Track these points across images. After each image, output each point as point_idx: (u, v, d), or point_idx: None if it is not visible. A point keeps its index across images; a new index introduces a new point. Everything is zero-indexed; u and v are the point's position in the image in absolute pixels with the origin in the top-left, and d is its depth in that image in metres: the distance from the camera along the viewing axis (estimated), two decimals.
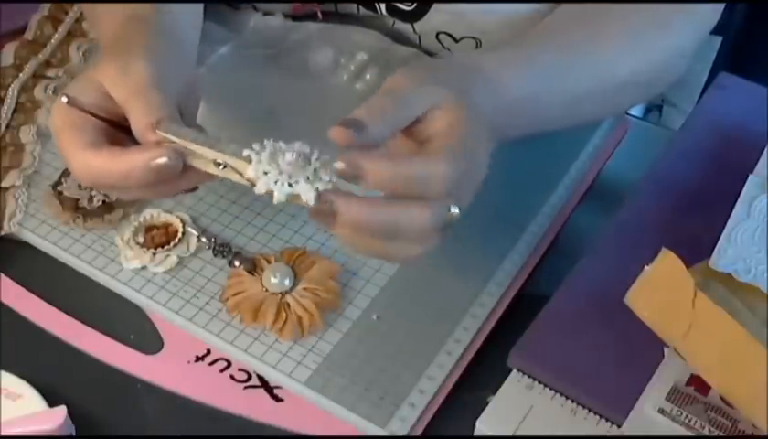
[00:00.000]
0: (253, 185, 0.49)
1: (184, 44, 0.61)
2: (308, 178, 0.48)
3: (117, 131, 0.54)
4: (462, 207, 0.50)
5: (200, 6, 0.68)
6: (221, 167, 0.50)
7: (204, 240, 0.65)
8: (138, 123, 0.52)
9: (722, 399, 0.53)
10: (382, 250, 0.51)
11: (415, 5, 0.75)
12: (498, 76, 0.57)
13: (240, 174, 0.49)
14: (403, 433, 0.56)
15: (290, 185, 0.48)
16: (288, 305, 0.61)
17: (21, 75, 0.76)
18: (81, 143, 0.53)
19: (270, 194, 0.48)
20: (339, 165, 0.48)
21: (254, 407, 0.58)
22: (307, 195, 0.47)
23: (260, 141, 0.49)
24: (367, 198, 0.48)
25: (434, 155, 0.50)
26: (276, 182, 0.48)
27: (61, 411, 0.54)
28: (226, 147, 0.50)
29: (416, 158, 0.49)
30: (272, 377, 0.59)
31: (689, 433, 0.52)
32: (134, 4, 0.60)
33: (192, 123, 0.56)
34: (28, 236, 0.66)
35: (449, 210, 0.50)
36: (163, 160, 0.50)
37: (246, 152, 0.49)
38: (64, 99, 0.53)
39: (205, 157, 0.50)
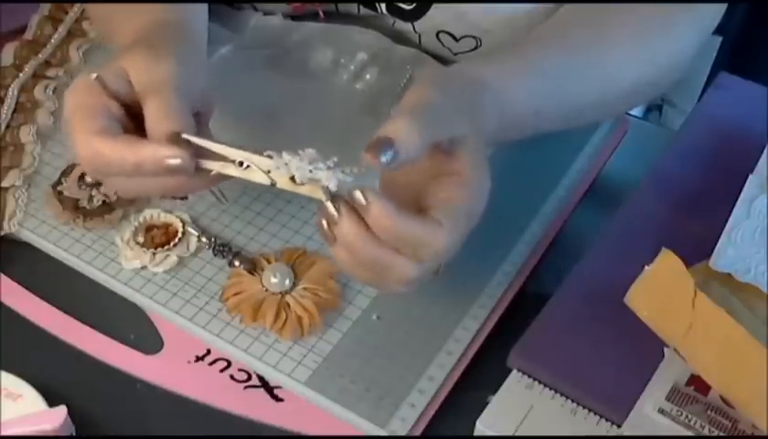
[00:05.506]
0: (273, 183, 0.50)
1: (202, 52, 0.62)
2: (329, 167, 0.48)
3: (130, 122, 0.54)
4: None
5: (206, 7, 0.68)
6: (244, 167, 0.50)
7: (204, 240, 0.65)
8: (155, 126, 0.52)
9: (722, 399, 0.53)
10: (371, 281, 0.52)
11: (415, 4, 0.75)
12: (506, 92, 0.57)
13: (263, 171, 0.50)
14: (403, 433, 0.56)
15: (310, 171, 0.48)
16: (288, 304, 0.61)
17: (21, 75, 0.76)
18: (94, 127, 0.52)
19: (289, 187, 0.49)
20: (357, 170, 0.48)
21: (254, 407, 0.58)
22: (328, 180, 0.48)
23: (260, 140, 0.50)
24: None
25: (437, 225, 0.49)
26: (297, 169, 0.48)
27: (61, 411, 0.54)
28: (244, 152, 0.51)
29: (418, 222, 0.49)
30: (272, 377, 0.59)
31: (689, 433, 0.52)
32: (158, 8, 0.61)
33: (206, 132, 0.56)
34: (28, 236, 0.66)
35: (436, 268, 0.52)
36: (177, 161, 0.51)
37: (266, 153, 0.50)
38: (93, 75, 0.53)
39: (227, 157, 0.51)
